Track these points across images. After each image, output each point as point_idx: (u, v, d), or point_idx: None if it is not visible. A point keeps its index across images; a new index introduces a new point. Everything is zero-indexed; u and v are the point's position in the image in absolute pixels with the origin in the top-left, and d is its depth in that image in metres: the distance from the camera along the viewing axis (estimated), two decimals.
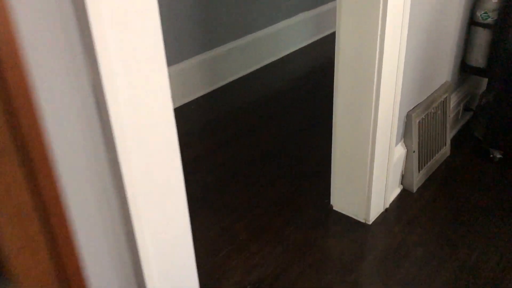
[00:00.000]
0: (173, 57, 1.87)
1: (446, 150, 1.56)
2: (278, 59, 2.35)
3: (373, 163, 1.24)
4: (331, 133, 1.29)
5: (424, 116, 1.39)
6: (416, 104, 1.38)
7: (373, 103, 1.17)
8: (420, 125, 1.38)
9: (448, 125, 1.54)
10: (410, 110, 1.35)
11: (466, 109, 1.71)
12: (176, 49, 1.88)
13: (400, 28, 1.14)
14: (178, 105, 1.95)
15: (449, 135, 1.57)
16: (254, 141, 1.71)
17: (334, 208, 1.37)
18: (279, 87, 2.10)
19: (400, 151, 1.37)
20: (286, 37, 2.37)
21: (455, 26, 1.46)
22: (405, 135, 1.37)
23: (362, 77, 1.16)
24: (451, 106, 1.57)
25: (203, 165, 1.58)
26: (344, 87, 1.20)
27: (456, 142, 1.64)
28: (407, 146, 1.38)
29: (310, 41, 2.54)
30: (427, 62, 1.37)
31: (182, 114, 1.89)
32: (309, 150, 1.64)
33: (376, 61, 1.12)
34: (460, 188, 1.44)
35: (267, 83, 2.14)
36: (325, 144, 1.36)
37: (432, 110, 1.43)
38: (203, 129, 1.80)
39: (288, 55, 2.40)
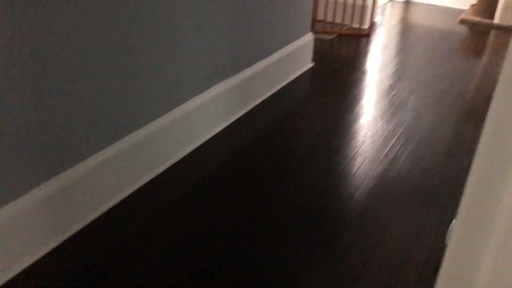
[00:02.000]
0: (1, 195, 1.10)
1: None
2: (179, 161, 1.66)
3: None
4: None
5: None
6: None
7: None
8: None
9: None
10: None
11: None
12: (5, 183, 1.11)
13: None
14: (7, 278, 1.16)
15: None
16: None
17: None
18: (185, 204, 1.39)
19: None
20: (189, 126, 1.69)
21: None
22: None
23: None
24: None
25: None
26: None
27: None
28: None
29: (224, 125, 1.88)
30: None
31: None
32: None
33: None
34: None
35: (164, 198, 1.43)
36: None
37: None
38: None
39: (192, 152, 1.72)
